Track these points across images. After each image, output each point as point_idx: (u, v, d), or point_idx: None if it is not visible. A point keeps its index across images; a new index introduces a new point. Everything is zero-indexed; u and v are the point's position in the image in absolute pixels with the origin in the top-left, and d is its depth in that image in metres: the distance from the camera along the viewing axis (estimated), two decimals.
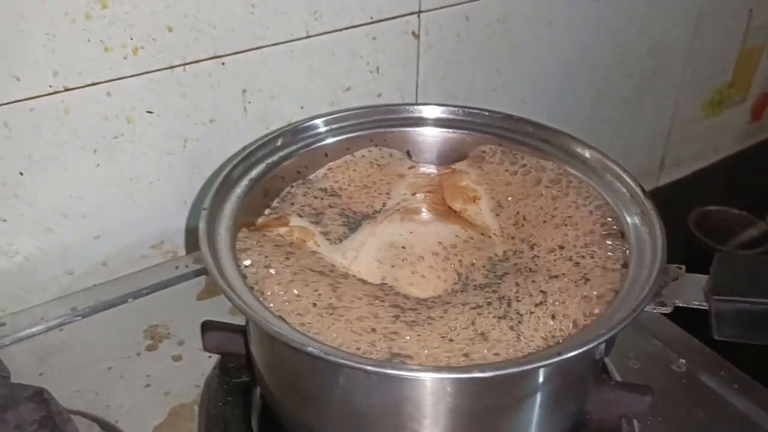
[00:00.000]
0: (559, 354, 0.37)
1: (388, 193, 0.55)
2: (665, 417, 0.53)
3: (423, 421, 0.40)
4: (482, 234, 0.51)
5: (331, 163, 0.56)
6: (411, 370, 0.38)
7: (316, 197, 0.53)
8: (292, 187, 0.54)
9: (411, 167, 0.57)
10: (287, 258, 0.46)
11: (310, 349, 0.37)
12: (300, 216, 0.51)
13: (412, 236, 0.51)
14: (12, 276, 0.61)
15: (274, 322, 0.39)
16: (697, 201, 0.97)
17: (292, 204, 0.52)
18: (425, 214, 0.54)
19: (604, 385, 0.49)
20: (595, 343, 0.38)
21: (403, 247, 0.50)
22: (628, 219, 0.48)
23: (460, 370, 0.38)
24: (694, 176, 1.07)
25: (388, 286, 0.47)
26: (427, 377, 0.38)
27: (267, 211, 0.52)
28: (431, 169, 0.57)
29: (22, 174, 0.57)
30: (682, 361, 0.58)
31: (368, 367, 0.37)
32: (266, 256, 0.45)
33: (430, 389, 0.39)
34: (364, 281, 0.47)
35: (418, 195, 0.56)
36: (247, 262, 0.45)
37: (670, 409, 0.54)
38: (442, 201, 0.55)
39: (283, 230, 0.50)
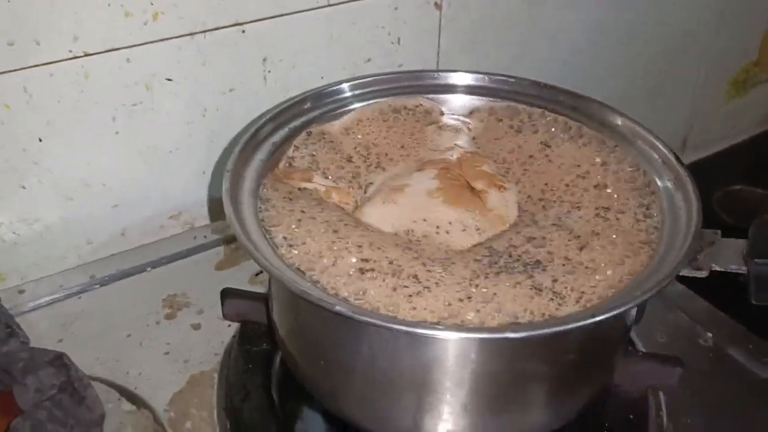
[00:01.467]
0: (593, 315, 0.36)
1: (412, 146, 0.54)
2: (692, 390, 0.52)
3: (451, 384, 0.39)
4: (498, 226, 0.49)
5: (352, 113, 0.54)
6: (440, 329, 0.37)
7: (334, 152, 0.52)
8: (309, 135, 0.51)
9: (434, 122, 0.56)
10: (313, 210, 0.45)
11: (338, 308, 0.36)
12: (325, 176, 0.50)
13: (426, 217, 0.49)
14: (32, 244, 0.60)
15: (300, 282, 0.39)
16: (720, 181, 0.95)
17: (312, 157, 0.51)
18: (437, 194, 0.51)
19: (633, 355, 0.48)
20: (630, 305, 0.37)
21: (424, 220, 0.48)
22: (660, 184, 0.46)
23: (493, 331, 0.37)
24: (717, 156, 1.05)
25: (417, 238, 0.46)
26: (457, 337, 0.37)
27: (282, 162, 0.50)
28: (456, 121, 0.56)
29: (41, 140, 0.57)
30: (709, 334, 0.57)
31: (396, 326, 0.36)
32: (292, 211, 0.44)
33: (460, 350, 0.38)
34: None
35: (429, 170, 0.52)
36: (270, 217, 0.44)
37: (698, 382, 0.53)
38: (457, 176, 0.52)
39: (321, 190, 0.48)
